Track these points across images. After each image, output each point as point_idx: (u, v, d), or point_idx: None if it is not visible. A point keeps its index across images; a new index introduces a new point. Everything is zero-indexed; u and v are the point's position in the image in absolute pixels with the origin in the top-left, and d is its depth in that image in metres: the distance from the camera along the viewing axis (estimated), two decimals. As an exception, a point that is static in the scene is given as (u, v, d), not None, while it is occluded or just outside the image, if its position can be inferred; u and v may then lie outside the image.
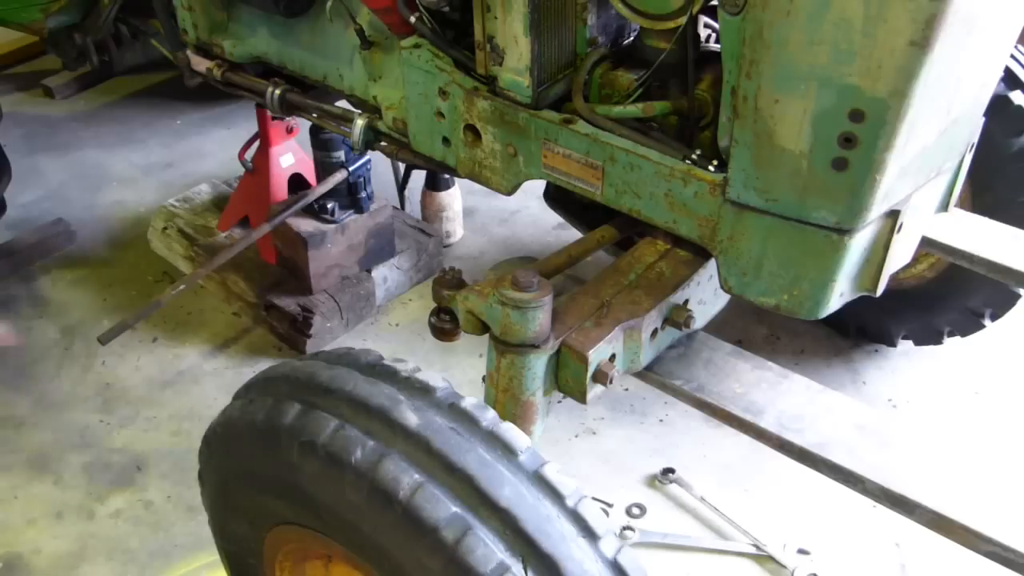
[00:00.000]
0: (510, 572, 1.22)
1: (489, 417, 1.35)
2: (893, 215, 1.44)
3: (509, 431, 1.34)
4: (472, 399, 1.39)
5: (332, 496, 1.36)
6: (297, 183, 3.23)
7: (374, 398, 1.37)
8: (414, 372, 1.43)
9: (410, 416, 1.34)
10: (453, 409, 1.36)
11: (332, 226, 3.03)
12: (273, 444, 1.41)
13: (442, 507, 1.25)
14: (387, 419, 1.34)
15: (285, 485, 1.44)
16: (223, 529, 1.75)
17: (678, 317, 1.68)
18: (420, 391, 1.39)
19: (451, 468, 1.27)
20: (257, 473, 1.50)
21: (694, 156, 1.52)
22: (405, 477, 1.27)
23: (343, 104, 2.26)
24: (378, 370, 1.44)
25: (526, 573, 1.22)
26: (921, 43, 1.16)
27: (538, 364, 1.56)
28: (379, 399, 1.37)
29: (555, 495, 1.28)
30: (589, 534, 1.27)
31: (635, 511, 2.48)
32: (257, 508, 1.58)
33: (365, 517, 1.33)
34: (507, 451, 1.31)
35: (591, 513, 1.28)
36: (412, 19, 1.71)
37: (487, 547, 1.23)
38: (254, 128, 3.14)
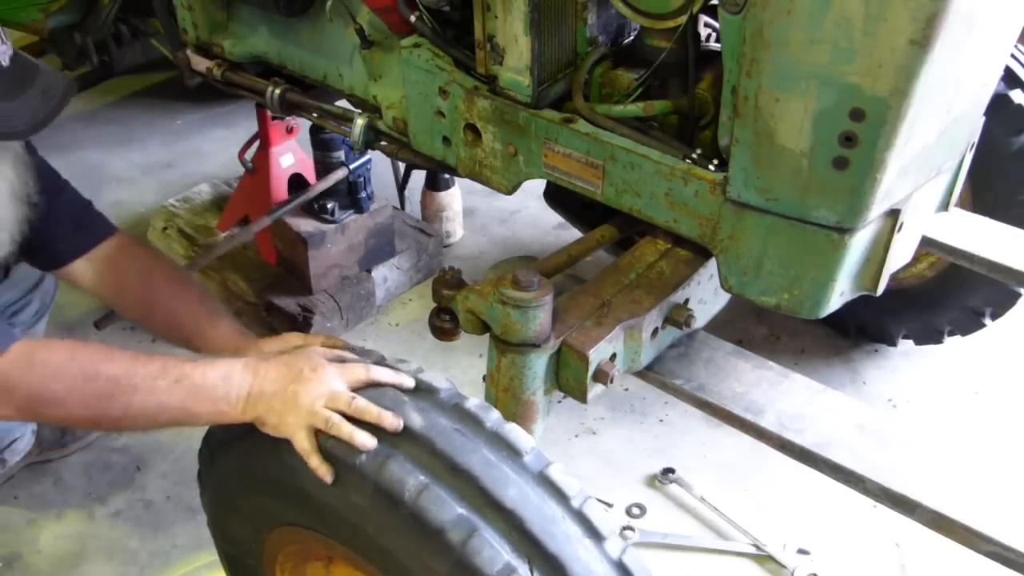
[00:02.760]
0: (516, 573, 1.21)
1: (493, 418, 1.35)
2: (894, 214, 1.44)
3: (513, 432, 1.33)
4: (476, 400, 1.38)
5: (336, 498, 1.36)
6: (297, 183, 3.23)
7: (377, 399, 1.37)
8: (417, 373, 1.42)
9: (414, 417, 1.34)
10: (457, 410, 1.36)
11: (332, 226, 3.03)
12: (275, 445, 1.41)
13: (448, 508, 1.24)
14: (391, 420, 1.34)
15: (287, 487, 1.43)
16: (223, 530, 1.75)
17: (679, 316, 1.68)
18: (424, 392, 1.39)
19: (456, 469, 1.27)
20: (259, 475, 1.50)
21: (694, 155, 1.52)
22: (410, 479, 1.27)
23: (343, 104, 2.26)
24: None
25: (532, 574, 1.22)
26: (922, 42, 1.16)
27: (539, 363, 1.56)
28: (382, 400, 1.37)
29: (560, 496, 1.28)
30: (594, 535, 1.27)
31: (635, 511, 2.48)
32: (258, 510, 1.57)
33: (370, 519, 1.32)
34: (512, 452, 1.31)
35: (596, 514, 1.28)
36: (412, 18, 1.71)
37: (493, 548, 1.22)
38: (254, 128, 3.14)
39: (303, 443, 1.35)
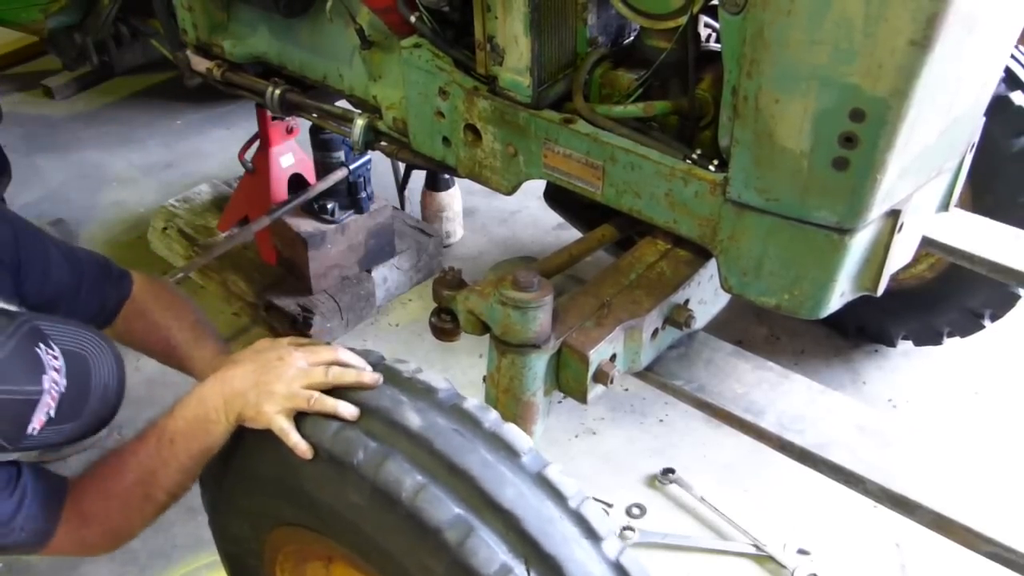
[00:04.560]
0: (513, 573, 1.21)
1: (491, 418, 1.35)
2: (894, 215, 1.44)
3: (512, 432, 1.33)
4: (474, 400, 1.38)
5: (334, 498, 1.36)
6: (297, 183, 3.23)
7: (376, 399, 1.37)
8: (416, 373, 1.42)
9: (412, 417, 1.34)
10: (455, 410, 1.36)
11: (332, 226, 3.03)
12: (274, 445, 1.41)
13: (445, 508, 1.24)
14: (389, 420, 1.34)
15: (287, 487, 1.44)
16: (224, 530, 1.75)
17: (679, 317, 1.68)
18: (422, 392, 1.39)
19: (454, 469, 1.27)
20: (259, 474, 1.50)
21: (694, 156, 1.52)
22: (408, 478, 1.27)
23: (343, 104, 2.26)
24: (380, 371, 1.44)
25: (529, 574, 1.22)
26: (922, 42, 1.16)
27: (539, 364, 1.56)
28: (381, 400, 1.37)
29: (558, 496, 1.28)
30: (592, 535, 1.27)
31: (635, 511, 2.48)
32: (258, 509, 1.57)
33: (367, 519, 1.33)
34: (510, 452, 1.31)
35: (594, 514, 1.28)
36: (412, 19, 1.71)
37: (490, 549, 1.22)
38: (254, 128, 3.14)
39: (280, 424, 1.38)
